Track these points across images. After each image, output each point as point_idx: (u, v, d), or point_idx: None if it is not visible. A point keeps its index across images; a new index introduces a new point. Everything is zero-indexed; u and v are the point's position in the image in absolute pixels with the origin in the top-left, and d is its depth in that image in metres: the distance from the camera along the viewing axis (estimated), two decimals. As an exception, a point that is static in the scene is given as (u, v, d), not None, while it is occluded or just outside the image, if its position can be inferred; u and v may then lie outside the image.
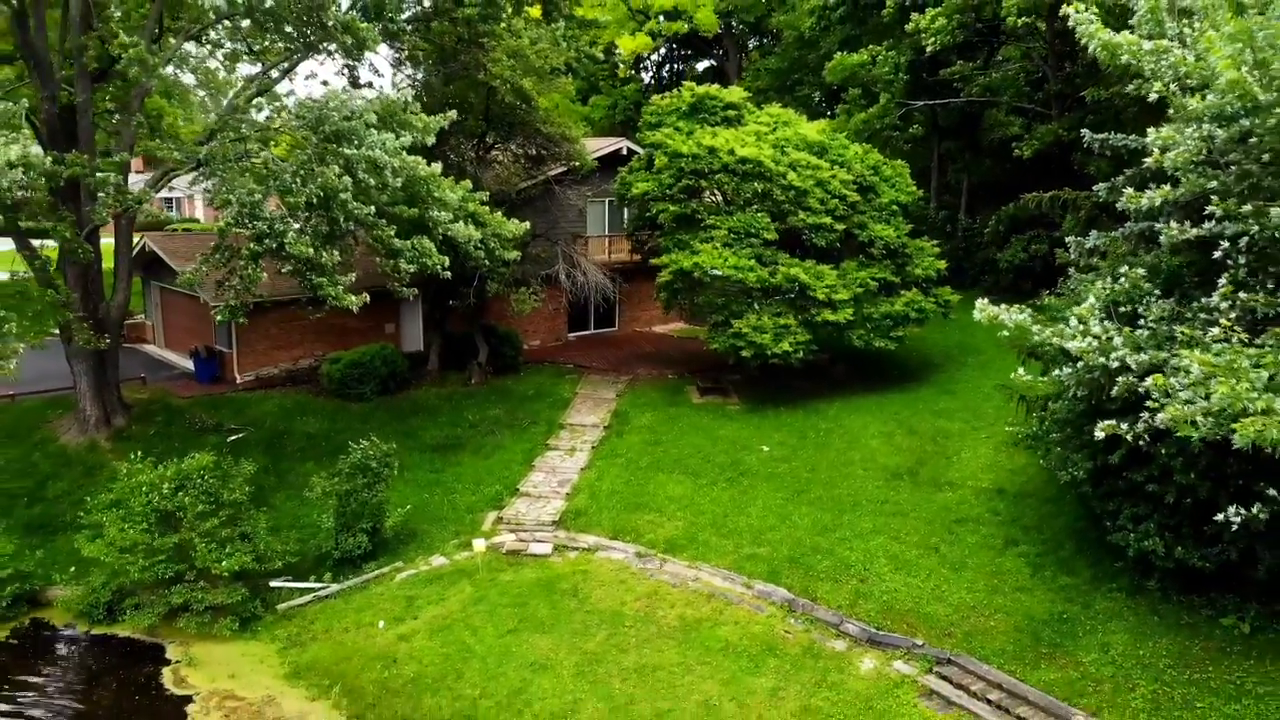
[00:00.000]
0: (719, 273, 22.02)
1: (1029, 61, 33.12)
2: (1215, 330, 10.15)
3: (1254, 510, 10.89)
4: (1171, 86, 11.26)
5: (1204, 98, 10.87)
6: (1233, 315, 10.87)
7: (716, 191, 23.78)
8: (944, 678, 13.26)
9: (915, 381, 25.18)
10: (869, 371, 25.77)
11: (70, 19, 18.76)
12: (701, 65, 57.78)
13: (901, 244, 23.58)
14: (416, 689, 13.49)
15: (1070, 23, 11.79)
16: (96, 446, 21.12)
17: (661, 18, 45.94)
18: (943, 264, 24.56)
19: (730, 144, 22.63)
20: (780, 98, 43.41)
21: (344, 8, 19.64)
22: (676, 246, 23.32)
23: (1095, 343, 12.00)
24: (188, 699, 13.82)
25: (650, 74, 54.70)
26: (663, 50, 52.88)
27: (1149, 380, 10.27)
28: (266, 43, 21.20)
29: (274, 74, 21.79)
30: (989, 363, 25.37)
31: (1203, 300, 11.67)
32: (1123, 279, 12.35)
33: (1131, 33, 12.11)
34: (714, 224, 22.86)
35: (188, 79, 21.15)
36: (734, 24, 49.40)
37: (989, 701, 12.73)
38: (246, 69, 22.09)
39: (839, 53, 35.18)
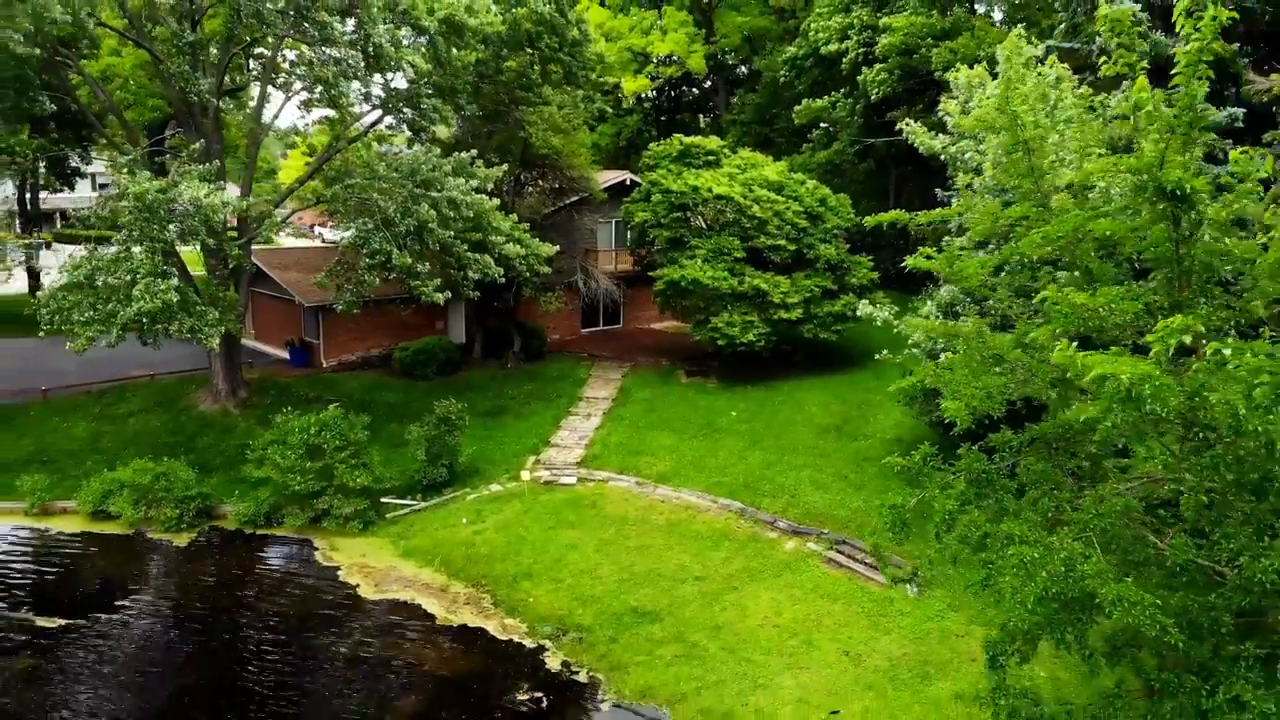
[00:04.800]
0: (701, 282, 28.91)
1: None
2: (967, 326, 16.95)
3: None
4: (971, 175, 18.20)
5: (984, 180, 17.79)
6: (996, 314, 17.73)
7: (699, 219, 30.65)
8: (839, 552, 20.14)
9: (856, 367, 32.06)
10: (821, 361, 32.62)
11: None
12: (695, 91, 64.71)
13: (841, 260, 30.48)
14: (490, 560, 20.34)
15: (904, 134, 18.71)
16: (228, 413, 27.98)
17: (658, 57, 52.85)
18: (875, 275, 31.47)
19: (709, 183, 29.50)
20: (761, 129, 50.37)
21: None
22: (669, 262, 30.18)
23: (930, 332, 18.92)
24: (337, 568, 20.66)
25: (650, 103, 61.54)
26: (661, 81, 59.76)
27: (943, 357, 17.09)
28: (346, 93, 28.00)
29: (357, 127, 28.69)
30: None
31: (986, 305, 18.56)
32: (946, 291, 19.22)
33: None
34: (697, 245, 29.73)
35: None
36: (723, 57, 56.11)
37: (865, 564, 19.60)
38: (320, 112, 29.00)
39: (807, 98, 41.98)
